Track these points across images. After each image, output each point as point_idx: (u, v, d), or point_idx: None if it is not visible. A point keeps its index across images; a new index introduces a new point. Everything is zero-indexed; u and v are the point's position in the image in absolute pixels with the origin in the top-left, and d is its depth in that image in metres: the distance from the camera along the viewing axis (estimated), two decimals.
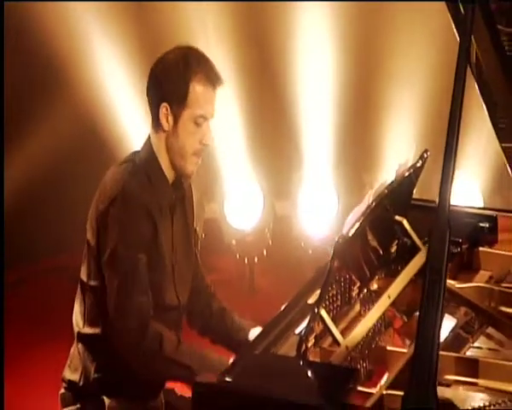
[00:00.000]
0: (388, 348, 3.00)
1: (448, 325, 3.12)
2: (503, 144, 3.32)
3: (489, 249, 3.50)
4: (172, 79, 3.10)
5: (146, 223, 3.08)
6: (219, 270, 6.86)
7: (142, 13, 7.00)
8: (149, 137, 3.21)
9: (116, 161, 3.32)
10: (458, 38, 2.78)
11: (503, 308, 3.23)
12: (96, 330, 3.17)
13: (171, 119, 3.11)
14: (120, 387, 3.20)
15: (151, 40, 6.63)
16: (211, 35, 6.71)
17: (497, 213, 3.53)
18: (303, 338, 2.73)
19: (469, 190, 6.50)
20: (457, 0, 2.92)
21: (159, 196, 3.15)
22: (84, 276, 3.21)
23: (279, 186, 6.81)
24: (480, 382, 2.85)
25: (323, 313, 2.81)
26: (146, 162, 3.16)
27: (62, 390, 3.32)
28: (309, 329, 2.76)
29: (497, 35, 3.03)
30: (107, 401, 3.19)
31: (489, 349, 3.09)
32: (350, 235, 2.94)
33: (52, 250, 7.07)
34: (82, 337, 3.22)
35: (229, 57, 6.61)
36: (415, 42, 6.72)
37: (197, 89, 3.10)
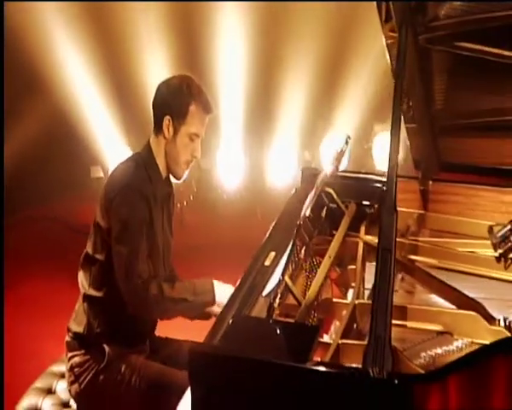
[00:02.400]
0: (334, 300, 2.69)
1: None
2: (406, 125, 3.08)
3: None
4: (177, 98, 2.92)
5: (145, 209, 2.89)
6: None
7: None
8: (149, 142, 3.02)
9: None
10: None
11: (412, 257, 2.99)
12: (100, 294, 2.96)
13: (171, 129, 2.93)
14: (118, 336, 2.97)
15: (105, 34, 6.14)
16: (153, 32, 6.20)
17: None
18: (272, 303, 2.40)
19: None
20: None
21: (155, 189, 2.97)
22: (90, 249, 2.99)
23: (202, 147, 6.46)
24: (408, 324, 2.59)
25: (287, 279, 2.52)
26: (146, 161, 2.99)
27: (68, 339, 3.06)
28: (276, 294, 2.43)
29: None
30: (106, 348, 2.96)
31: (405, 292, 2.84)
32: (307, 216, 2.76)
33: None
34: (87, 298, 2.99)
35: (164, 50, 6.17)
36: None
37: (195, 111, 2.93)
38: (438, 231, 3.10)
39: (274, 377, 2.14)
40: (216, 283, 2.95)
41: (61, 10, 5.89)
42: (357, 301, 2.62)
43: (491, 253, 2.94)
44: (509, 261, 2.83)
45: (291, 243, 2.46)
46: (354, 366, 2.32)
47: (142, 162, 2.95)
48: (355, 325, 2.59)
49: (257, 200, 6.47)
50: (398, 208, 3.21)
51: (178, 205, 6.51)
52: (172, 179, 3.12)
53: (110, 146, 6.35)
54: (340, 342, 2.39)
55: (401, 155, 2.99)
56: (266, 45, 6.25)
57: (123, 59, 6.20)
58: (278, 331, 2.28)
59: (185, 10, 6.22)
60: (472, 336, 2.52)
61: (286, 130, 6.41)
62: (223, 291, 2.90)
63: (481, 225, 3.05)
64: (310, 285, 2.76)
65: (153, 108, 2.99)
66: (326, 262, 2.74)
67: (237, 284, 2.67)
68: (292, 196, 3.21)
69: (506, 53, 2.92)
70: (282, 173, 6.49)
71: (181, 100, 2.91)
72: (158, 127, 2.95)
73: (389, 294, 2.17)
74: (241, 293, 2.60)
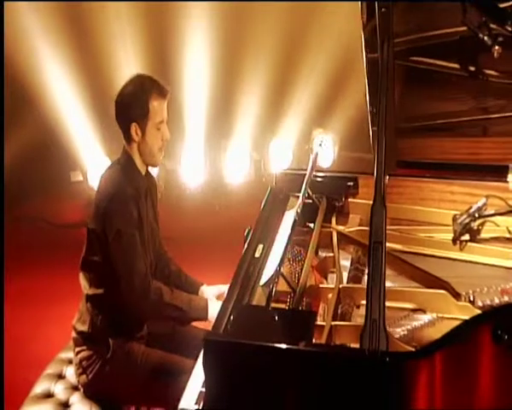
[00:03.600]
0: (320, 285, 2.56)
1: (346, 261, 2.76)
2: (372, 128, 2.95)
3: (354, 200, 3.12)
4: (135, 104, 2.70)
5: (134, 209, 2.70)
6: None
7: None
8: (124, 147, 2.80)
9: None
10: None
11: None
12: (100, 291, 2.78)
13: (139, 132, 2.72)
14: (119, 328, 2.79)
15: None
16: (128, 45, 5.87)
17: (357, 175, 3.15)
18: (271, 292, 2.26)
19: None
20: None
21: (138, 187, 2.77)
22: (87, 253, 2.80)
23: (168, 149, 6.21)
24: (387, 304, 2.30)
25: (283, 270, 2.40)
26: (126, 166, 2.78)
27: (75, 335, 2.88)
28: (274, 283, 2.29)
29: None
30: (110, 341, 2.79)
31: None
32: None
33: None
34: (89, 297, 2.81)
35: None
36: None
37: (154, 104, 2.71)
38: (396, 219, 2.97)
39: (284, 360, 2.02)
40: (210, 301, 2.78)
41: (42, 20, 5.48)
42: (341, 286, 2.50)
43: (444, 236, 2.86)
44: (464, 243, 2.76)
45: (287, 237, 2.30)
46: (350, 346, 2.22)
47: (123, 168, 2.75)
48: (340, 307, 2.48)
49: (215, 194, 6.26)
50: (361, 201, 3.21)
51: None
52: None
53: (89, 153, 6.06)
54: (332, 323, 2.27)
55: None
56: (226, 54, 5.98)
57: (102, 72, 5.88)
58: (280, 318, 2.17)
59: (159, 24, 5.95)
60: (442, 311, 2.43)
61: (240, 133, 6.24)
62: (215, 308, 2.65)
63: (433, 213, 2.97)
64: (295, 273, 2.63)
65: (117, 121, 2.76)
66: (311, 252, 2.61)
67: (233, 275, 2.51)
68: (269, 195, 3.05)
69: (449, 65, 2.86)
70: (236, 171, 6.35)
71: (140, 103, 2.69)
72: (127, 136, 2.74)
73: (382, 281, 2.06)
74: (238, 284, 2.45)
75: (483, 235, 2.83)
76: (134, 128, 2.70)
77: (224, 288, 2.85)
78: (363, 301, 2.50)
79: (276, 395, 2.04)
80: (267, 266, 2.48)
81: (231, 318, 2.20)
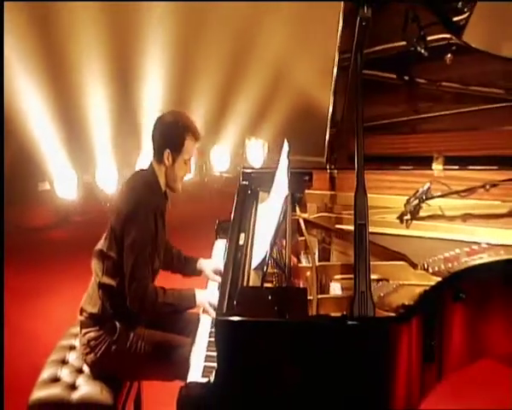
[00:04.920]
0: (299, 265, 2.47)
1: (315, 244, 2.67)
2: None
3: (309, 191, 3.03)
4: (173, 135, 2.59)
5: (152, 224, 2.55)
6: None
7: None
8: (151, 164, 2.66)
9: None
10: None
11: (337, 226, 2.77)
12: (113, 283, 2.60)
13: (170, 159, 2.59)
14: (127, 314, 2.60)
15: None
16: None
17: (312, 169, 3.07)
18: (265, 274, 2.14)
19: None
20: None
21: (159, 205, 2.63)
22: (104, 247, 2.63)
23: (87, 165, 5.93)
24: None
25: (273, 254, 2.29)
26: (151, 182, 2.63)
27: (82, 318, 2.69)
28: (267, 266, 2.17)
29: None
30: (117, 324, 2.62)
31: (339, 253, 2.63)
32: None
33: None
34: (102, 285, 2.63)
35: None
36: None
37: (188, 143, 2.60)
38: (347, 205, 2.88)
39: (290, 333, 1.93)
40: (197, 290, 2.66)
41: (16, 35, 5.03)
42: (319, 264, 2.42)
43: (390, 217, 2.81)
44: (410, 222, 2.72)
45: (275, 225, 2.17)
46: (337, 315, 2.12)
47: (150, 184, 2.61)
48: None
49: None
50: (315, 192, 3.12)
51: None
52: None
53: (55, 165, 5.72)
54: (318, 297, 2.19)
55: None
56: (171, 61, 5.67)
57: (71, 91, 5.54)
58: (278, 296, 2.04)
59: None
60: (403, 279, 2.39)
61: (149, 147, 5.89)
62: (202, 295, 2.62)
63: (379, 198, 2.90)
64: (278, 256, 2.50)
65: (152, 140, 2.64)
66: (289, 237, 2.48)
67: (224, 262, 2.42)
68: (239, 191, 2.94)
69: (387, 75, 2.81)
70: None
71: (177, 136, 2.58)
72: (158, 157, 2.62)
73: (367, 258, 1.98)
74: (230, 269, 2.34)
75: (425, 213, 2.81)
76: (167, 154, 2.60)
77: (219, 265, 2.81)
78: (337, 276, 2.48)
79: (283, 364, 1.93)
80: (255, 251, 2.36)
81: (234, 299, 2.07)
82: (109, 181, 5.85)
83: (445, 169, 2.98)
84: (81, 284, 3.49)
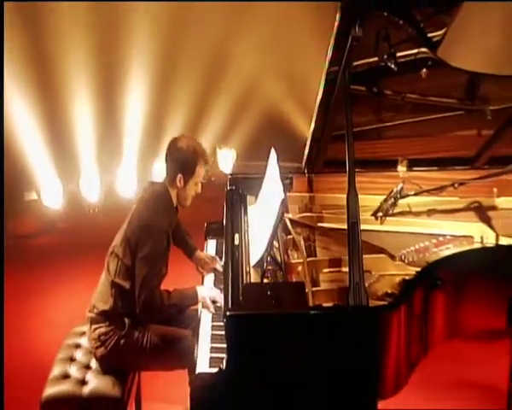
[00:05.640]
0: (292, 261, 2.44)
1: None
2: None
3: (290, 193, 3.00)
4: (186, 161, 2.55)
5: (165, 240, 2.53)
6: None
7: None
8: (165, 183, 2.61)
9: None
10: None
11: (319, 224, 2.76)
12: (126, 285, 2.54)
13: (182, 182, 2.56)
14: (135, 313, 2.54)
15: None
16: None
17: (292, 174, 3.04)
18: (266, 270, 2.13)
19: None
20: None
21: (171, 220, 2.61)
22: (120, 253, 2.56)
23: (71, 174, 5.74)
24: (343, 269, 2.37)
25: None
26: (165, 200, 2.58)
27: (92, 315, 2.62)
28: (267, 263, 2.16)
29: None
30: (126, 320, 2.57)
31: (322, 248, 2.60)
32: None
33: None
34: (114, 284, 2.57)
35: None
36: None
37: (199, 169, 2.57)
38: (325, 205, 2.93)
39: (294, 324, 1.93)
40: (198, 288, 2.63)
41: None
42: (309, 259, 2.40)
43: (367, 215, 2.79)
44: (383, 218, 2.74)
45: (273, 226, 2.15)
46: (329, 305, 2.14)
47: (163, 201, 2.57)
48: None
49: (108, 210, 5.61)
50: (295, 194, 3.10)
51: None
52: None
53: (41, 175, 5.52)
54: (312, 290, 2.17)
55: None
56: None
57: (57, 105, 5.32)
58: (279, 290, 2.03)
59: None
60: (383, 270, 2.40)
61: (130, 154, 5.78)
62: (203, 292, 2.57)
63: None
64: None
65: (166, 162, 2.60)
66: (281, 237, 2.48)
67: (223, 262, 2.39)
68: (228, 195, 2.92)
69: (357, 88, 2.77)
70: (129, 186, 5.77)
71: (189, 162, 2.55)
72: (171, 178, 2.58)
73: (359, 252, 1.99)
74: (230, 268, 2.30)
75: (396, 211, 2.82)
76: (179, 178, 2.58)
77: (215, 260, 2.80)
78: (325, 270, 2.47)
79: (288, 351, 1.92)
80: (252, 250, 2.34)
81: (238, 295, 2.05)
82: (92, 189, 5.69)
83: (408, 170, 3.00)
84: (67, 286, 3.36)
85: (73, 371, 2.60)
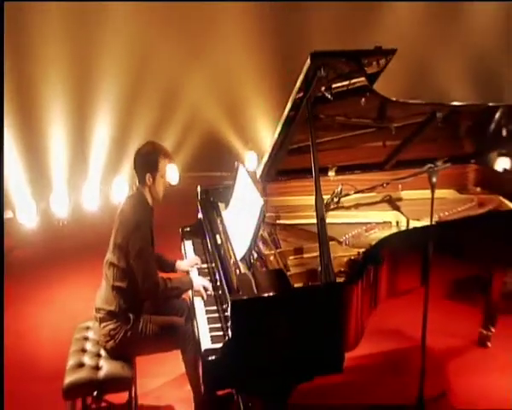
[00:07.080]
0: (266, 252, 2.51)
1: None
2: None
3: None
4: (149, 160, 2.52)
5: (149, 233, 2.49)
6: None
7: None
8: (138, 189, 2.57)
9: None
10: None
11: (278, 221, 2.85)
12: (123, 285, 2.50)
13: (151, 179, 2.53)
14: (136, 308, 2.54)
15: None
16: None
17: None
18: (252, 262, 2.17)
19: None
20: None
21: (150, 216, 2.55)
22: (113, 260, 2.51)
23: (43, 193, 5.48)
24: (304, 256, 2.50)
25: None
26: (143, 202, 2.54)
27: (100, 315, 2.55)
28: (252, 256, 2.21)
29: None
30: (131, 315, 2.53)
31: (283, 241, 2.68)
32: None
33: None
34: (115, 288, 2.52)
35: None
36: None
37: (162, 164, 2.54)
38: (278, 206, 3.00)
39: (284, 302, 2.00)
40: (191, 275, 2.65)
41: None
42: (278, 251, 2.49)
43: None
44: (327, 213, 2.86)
45: (255, 227, 2.21)
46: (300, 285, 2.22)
47: (141, 202, 2.53)
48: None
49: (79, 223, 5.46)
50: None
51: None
52: None
53: (17, 196, 5.23)
54: (288, 274, 2.25)
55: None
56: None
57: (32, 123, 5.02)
58: (267, 276, 2.09)
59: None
60: (334, 253, 2.44)
61: (96, 171, 5.65)
62: (196, 280, 2.57)
63: (300, 200, 3.02)
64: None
65: (135, 170, 2.55)
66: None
67: (213, 259, 2.40)
68: (201, 203, 2.94)
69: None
70: (93, 201, 5.62)
71: (152, 159, 2.52)
72: (142, 181, 2.54)
73: (326, 241, 2.10)
74: (219, 263, 2.33)
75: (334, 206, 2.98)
76: (148, 177, 2.53)
77: (194, 259, 2.78)
78: (291, 257, 2.54)
79: (281, 323, 1.99)
80: (235, 247, 2.35)
81: (233, 284, 2.08)
82: (61, 206, 5.46)
83: (336, 175, 3.14)
84: (42, 293, 3.06)
85: (87, 360, 2.54)
